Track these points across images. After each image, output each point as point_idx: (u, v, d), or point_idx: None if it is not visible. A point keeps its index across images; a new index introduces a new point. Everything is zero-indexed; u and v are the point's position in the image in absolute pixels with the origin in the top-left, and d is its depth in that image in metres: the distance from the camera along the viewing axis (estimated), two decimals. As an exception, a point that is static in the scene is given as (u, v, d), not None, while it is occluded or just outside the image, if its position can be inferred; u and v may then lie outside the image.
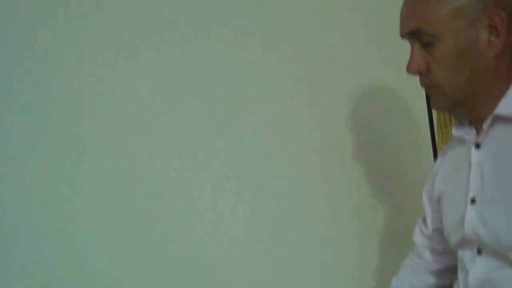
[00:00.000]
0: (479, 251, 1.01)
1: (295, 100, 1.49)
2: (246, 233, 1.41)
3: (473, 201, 1.01)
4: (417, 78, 1.04)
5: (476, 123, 1.04)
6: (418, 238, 1.26)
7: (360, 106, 1.63)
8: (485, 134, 1.01)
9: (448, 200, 1.10)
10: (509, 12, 0.96)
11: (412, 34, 1.00)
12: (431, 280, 1.25)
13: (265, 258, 1.43)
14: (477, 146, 1.02)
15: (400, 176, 1.70)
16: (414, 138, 1.76)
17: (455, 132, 1.07)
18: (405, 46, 1.04)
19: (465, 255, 1.05)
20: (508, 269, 0.96)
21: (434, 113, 1.77)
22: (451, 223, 1.07)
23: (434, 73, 0.99)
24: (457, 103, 1.01)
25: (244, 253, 1.40)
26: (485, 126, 1.00)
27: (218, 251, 1.36)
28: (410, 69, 1.01)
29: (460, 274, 1.08)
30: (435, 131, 1.78)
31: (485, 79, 0.98)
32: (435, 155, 1.75)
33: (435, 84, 1.01)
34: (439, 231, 1.16)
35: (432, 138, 1.79)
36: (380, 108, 1.68)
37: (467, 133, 1.05)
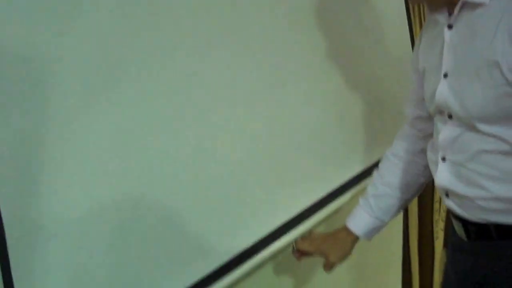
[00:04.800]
0: (450, 117, 1.15)
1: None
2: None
3: (445, 75, 1.13)
4: None
5: (449, 7, 1.14)
6: (408, 109, 1.38)
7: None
8: (456, 16, 1.11)
9: (427, 74, 1.22)
10: None
11: None
12: (422, 144, 1.36)
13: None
14: (450, 27, 1.13)
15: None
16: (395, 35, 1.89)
17: (430, 15, 1.20)
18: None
19: (439, 120, 1.20)
20: (473, 133, 1.10)
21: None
22: (428, 95, 1.21)
23: None
24: None
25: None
26: (456, 10, 1.10)
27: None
28: None
29: (434, 135, 1.23)
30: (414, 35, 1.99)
31: None
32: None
33: None
34: (424, 99, 1.27)
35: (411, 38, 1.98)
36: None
37: (440, 16, 1.15)
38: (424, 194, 2.53)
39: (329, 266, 1.41)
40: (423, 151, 1.36)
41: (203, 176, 1.26)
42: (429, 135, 1.34)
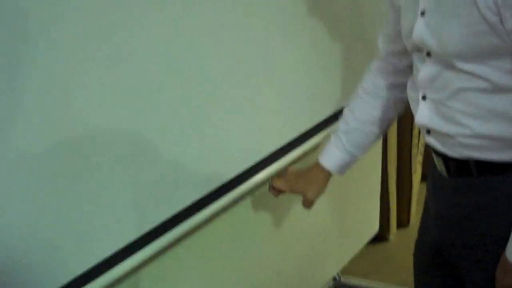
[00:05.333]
0: (428, 54, 1.14)
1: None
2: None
3: (422, 13, 1.12)
4: None
5: None
6: (381, 43, 1.37)
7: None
8: None
9: (403, 11, 1.21)
10: None
11: None
12: (392, 79, 1.37)
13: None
14: None
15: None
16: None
17: None
18: None
19: (417, 57, 1.19)
20: (451, 71, 1.10)
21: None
22: (405, 32, 1.20)
23: None
24: None
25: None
26: None
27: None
28: None
29: (414, 73, 1.23)
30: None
31: None
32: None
33: None
34: (399, 34, 1.26)
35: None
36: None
37: None
38: (403, 129, 2.55)
39: (307, 203, 1.43)
40: (394, 86, 1.36)
41: (180, 107, 1.25)
42: (401, 70, 1.34)
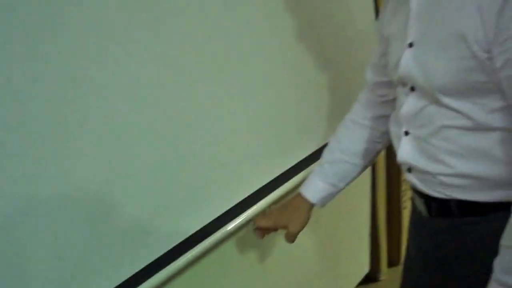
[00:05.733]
0: (413, 89, 1.12)
1: None
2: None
3: (410, 45, 1.10)
4: None
5: None
6: (370, 74, 1.35)
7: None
8: None
9: (391, 42, 1.20)
10: None
11: None
12: (380, 111, 1.36)
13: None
14: None
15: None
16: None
17: None
18: None
19: (401, 91, 1.17)
20: (436, 106, 1.08)
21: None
22: (392, 64, 1.18)
23: None
24: None
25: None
26: None
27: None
28: None
29: (396, 107, 1.21)
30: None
31: None
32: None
33: None
34: (387, 65, 1.26)
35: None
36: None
37: None
38: (392, 163, 2.52)
39: (289, 236, 1.39)
40: (382, 117, 1.35)
41: (162, 152, 1.21)
42: (389, 102, 1.33)
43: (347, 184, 1.39)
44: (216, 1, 1.31)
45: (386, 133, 1.35)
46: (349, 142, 1.37)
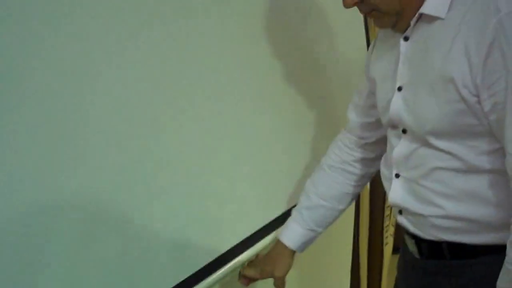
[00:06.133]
0: (404, 131, 1.13)
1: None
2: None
3: (399, 88, 1.11)
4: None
5: (400, 23, 1.12)
6: (352, 115, 1.34)
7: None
8: (412, 28, 1.09)
9: (379, 85, 1.20)
10: None
11: None
12: (359, 154, 1.35)
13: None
14: (406, 38, 1.10)
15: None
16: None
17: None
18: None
19: (392, 134, 1.17)
20: (427, 149, 1.08)
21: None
22: (381, 107, 1.18)
23: None
24: (398, 16, 1.08)
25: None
26: (412, 22, 1.08)
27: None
28: (347, 4, 1.08)
29: (388, 149, 1.21)
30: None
31: None
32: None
33: (372, 7, 1.08)
34: (374, 107, 1.26)
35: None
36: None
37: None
38: (375, 199, 2.51)
39: (278, 282, 1.37)
40: (359, 161, 1.34)
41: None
42: (368, 144, 1.33)
43: (326, 228, 1.37)
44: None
45: (364, 176, 1.35)
46: (326, 187, 1.35)
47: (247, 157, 1.43)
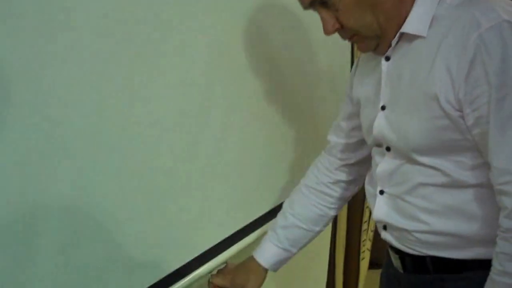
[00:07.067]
0: (388, 149, 1.13)
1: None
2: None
3: (383, 107, 1.12)
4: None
5: (382, 44, 1.13)
6: (333, 136, 1.34)
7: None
8: (393, 48, 1.09)
9: (363, 105, 1.21)
10: None
11: (313, 2, 1.08)
12: (337, 176, 1.35)
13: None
14: (387, 58, 1.11)
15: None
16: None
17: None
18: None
19: (376, 152, 1.19)
20: (411, 165, 1.09)
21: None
22: (365, 127, 1.20)
23: (346, 24, 1.07)
24: (379, 37, 1.09)
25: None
26: (393, 42, 1.09)
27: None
28: (327, 31, 1.09)
29: (372, 168, 1.21)
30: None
31: (387, 6, 1.05)
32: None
33: (353, 32, 1.09)
34: (356, 129, 1.27)
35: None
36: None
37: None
38: (353, 214, 2.51)
39: None
40: (337, 183, 1.35)
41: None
42: (348, 166, 1.34)
43: (300, 249, 1.37)
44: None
45: (340, 199, 1.36)
46: (302, 208, 1.35)
47: (225, 159, 1.43)
